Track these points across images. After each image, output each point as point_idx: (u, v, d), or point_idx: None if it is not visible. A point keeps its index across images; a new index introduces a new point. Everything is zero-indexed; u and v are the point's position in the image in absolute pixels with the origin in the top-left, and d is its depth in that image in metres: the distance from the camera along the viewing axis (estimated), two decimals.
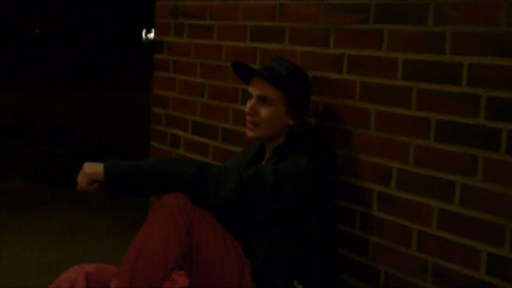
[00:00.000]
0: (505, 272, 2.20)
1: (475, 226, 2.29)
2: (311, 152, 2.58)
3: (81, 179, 2.48)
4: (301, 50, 2.97)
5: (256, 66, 3.19)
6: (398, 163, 2.55)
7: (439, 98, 2.40)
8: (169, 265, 2.35)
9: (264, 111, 2.64)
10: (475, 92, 2.28)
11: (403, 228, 2.54)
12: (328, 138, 2.81)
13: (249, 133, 2.69)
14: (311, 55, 2.92)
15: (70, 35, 24.21)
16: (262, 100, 2.64)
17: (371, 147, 2.65)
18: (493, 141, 2.23)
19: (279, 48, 3.09)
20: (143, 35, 29.96)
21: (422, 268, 2.47)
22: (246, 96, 2.91)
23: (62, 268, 2.76)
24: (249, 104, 2.67)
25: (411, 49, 2.49)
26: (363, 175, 2.69)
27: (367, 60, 2.66)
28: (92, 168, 2.45)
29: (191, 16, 3.73)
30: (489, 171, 2.24)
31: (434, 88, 2.41)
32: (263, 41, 3.20)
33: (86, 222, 5.06)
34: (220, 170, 2.47)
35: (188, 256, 2.40)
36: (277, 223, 2.54)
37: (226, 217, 2.57)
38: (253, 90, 2.67)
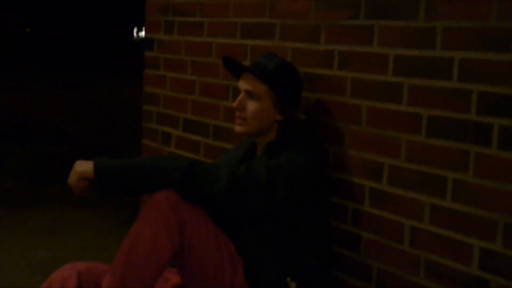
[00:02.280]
0: (497, 267, 2.20)
1: (467, 221, 2.29)
2: (303, 148, 2.56)
3: (72, 177, 2.47)
4: (291, 47, 2.96)
5: (247, 63, 3.18)
6: (389, 158, 2.54)
7: (430, 93, 2.39)
8: (161, 263, 2.33)
9: (251, 106, 2.63)
10: (466, 87, 2.28)
11: (395, 224, 2.53)
12: (319, 134, 2.81)
13: (238, 128, 2.68)
14: (301, 51, 2.91)
15: (61, 34, 24.15)
16: (249, 94, 2.64)
17: (362, 143, 2.65)
18: (485, 136, 2.22)
19: (270, 44, 3.08)
20: (135, 34, 29.90)
21: (415, 264, 2.46)
22: (237, 93, 2.90)
23: (54, 267, 2.75)
24: (237, 99, 2.67)
25: (402, 44, 2.49)
26: (354, 171, 2.68)
27: (358, 56, 2.66)
28: (83, 166, 2.45)
29: (181, 13, 3.72)
30: (481, 166, 2.24)
31: (425, 83, 2.41)
32: (254, 38, 3.19)
33: (78, 220, 5.05)
34: (211, 166, 2.46)
35: (180, 254, 2.39)
36: (270, 220, 2.52)
37: (218, 214, 2.56)
38: (242, 85, 2.67)
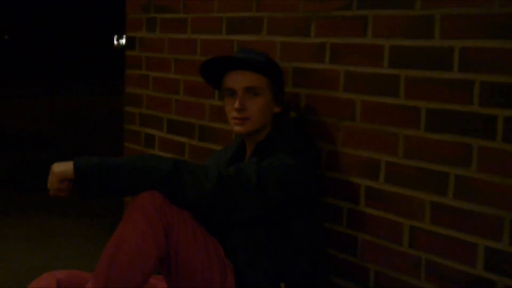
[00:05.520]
0: (504, 267, 2.11)
1: (471, 219, 2.19)
2: (293, 147, 2.45)
3: (51, 180, 2.33)
4: (280, 41, 2.85)
5: None
6: (386, 155, 2.44)
7: (429, 85, 2.29)
8: (147, 269, 2.22)
9: (254, 103, 2.50)
10: (468, 77, 2.18)
11: (393, 224, 2.43)
12: (312, 132, 2.70)
13: (238, 128, 2.53)
14: (291, 45, 2.80)
15: (39, 41, 24.09)
16: (252, 91, 2.50)
17: (357, 139, 2.55)
18: (489, 128, 2.12)
19: (257, 39, 2.97)
20: (115, 41, 29.86)
21: (415, 266, 2.37)
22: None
23: (33, 277, 2.64)
24: (232, 100, 2.51)
25: (398, 35, 2.39)
26: (349, 169, 2.58)
27: (351, 48, 2.55)
28: (61, 167, 2.31)
29: (163, 9, 3.60)
30: (485, 160, 2.14)
31: (424, 75, 2.31)
32: (240, 33, 3.08)
33: (58, 228, 4.95)
34: (198, 166, 2.34)
35: (166, 259, 2.28)
36: (261, 223, 2.42)
37: (206, 217, 2.44)
38: (237, 83, 2.51)
